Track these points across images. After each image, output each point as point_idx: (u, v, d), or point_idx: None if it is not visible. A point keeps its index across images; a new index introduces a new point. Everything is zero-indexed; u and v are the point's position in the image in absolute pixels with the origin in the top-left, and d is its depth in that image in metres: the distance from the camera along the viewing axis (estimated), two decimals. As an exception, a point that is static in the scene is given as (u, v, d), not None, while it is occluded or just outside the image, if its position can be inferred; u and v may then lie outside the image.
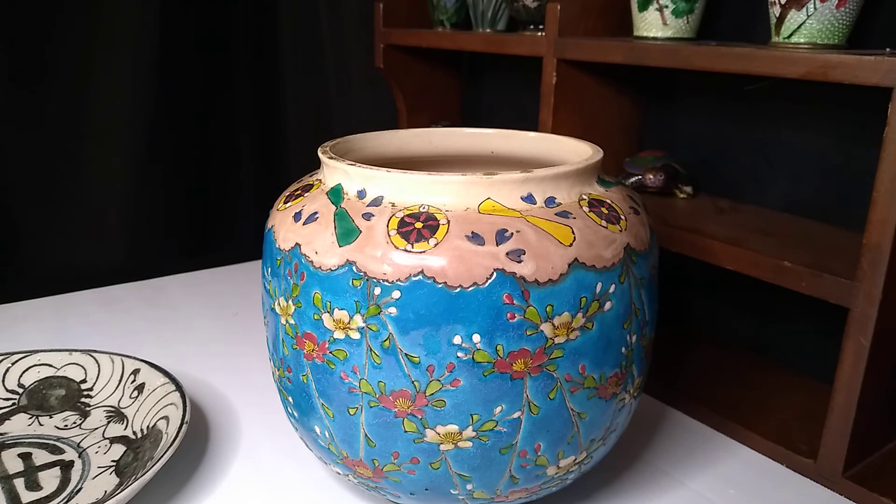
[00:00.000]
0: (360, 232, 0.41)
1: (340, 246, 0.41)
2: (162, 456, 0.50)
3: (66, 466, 0.54)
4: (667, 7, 0.65)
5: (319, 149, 0.49)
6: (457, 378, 0.40)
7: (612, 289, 0.42)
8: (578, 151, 0.51)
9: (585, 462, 0.47)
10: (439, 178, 0.41)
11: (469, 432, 0.42)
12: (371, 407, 0.42)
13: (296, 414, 0.48)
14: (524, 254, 0.39)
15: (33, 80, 0.96)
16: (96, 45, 0.98)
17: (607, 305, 0.42)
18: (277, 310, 0.46)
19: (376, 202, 0.43)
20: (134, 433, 0.57)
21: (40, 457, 0.55)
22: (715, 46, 0.58)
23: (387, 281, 0.40)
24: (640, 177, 0.72)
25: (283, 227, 0.45)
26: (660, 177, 0.72)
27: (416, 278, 0.39)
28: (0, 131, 0.96)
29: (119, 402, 0.61)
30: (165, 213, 1.10)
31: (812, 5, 0.55)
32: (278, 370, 0.48)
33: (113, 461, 0.55)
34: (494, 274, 0.39)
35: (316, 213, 0.44)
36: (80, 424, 0.60)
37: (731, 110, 0.73)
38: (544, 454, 0.43)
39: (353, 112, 1.14)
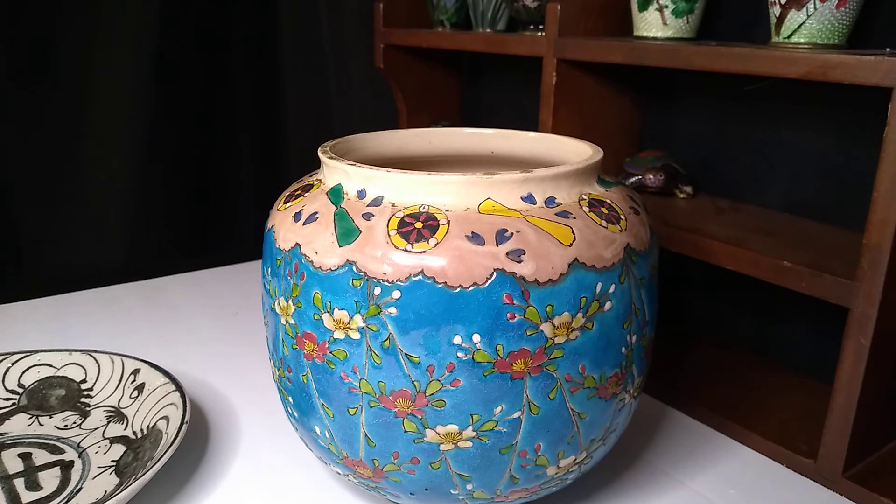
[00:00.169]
0: (360, 232, 0.41)
1: (340, 246, 0.41)
2: (162, 456, 0.50)
3: (66, 466, 0.54)
4: (667, 7, 0.65)
5: (319, 149, 0.49)
6: (457, 378, 0.40)
7: (612, 289, 0.42)
8: (578, 151, 0.51)
9: (585, 462, 0.47)
10: (439, 178, 0.41)
11: (469, 432, 0.42)
12: (371, 407, 0.42)
13: (296, 414, 0.48)
14: (524, 254, 0.39)
15: (33, 80, 0.96)
16: (96, 45, 0.98)
17: (607, 305, 0.42)
18: (277, 310, 0.46)
19: (376, 202, 0.43)
20: (134, 433, 0.57)
21: (40, 457, 0.55)
22: (715, 46, 0.58)
23: (387, 281, 0.40)
24: (640, 177, 0.72)
25: (283, 227, 0.45)
26: (660, 177, 0.72)
27: (416, 278, 0.39)
28: (0, 131, 0.96)
29: (119, 402, 0.61)
30: (165, 214, 1.10)
31: (812, 5, 0.55)
32: (278, 370, 0.48)
33: (113, 461, 0.55)
34: (494, 274, 0.39)
35: (316, 213, 0.44)
36: (80, 424, 0.60)
37: (731, 110, 0.73)
38: (544, 454, 0.43)
39: (353, 112, 1.14)
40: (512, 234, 0.40)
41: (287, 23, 1.14)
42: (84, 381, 0.63)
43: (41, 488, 0.52)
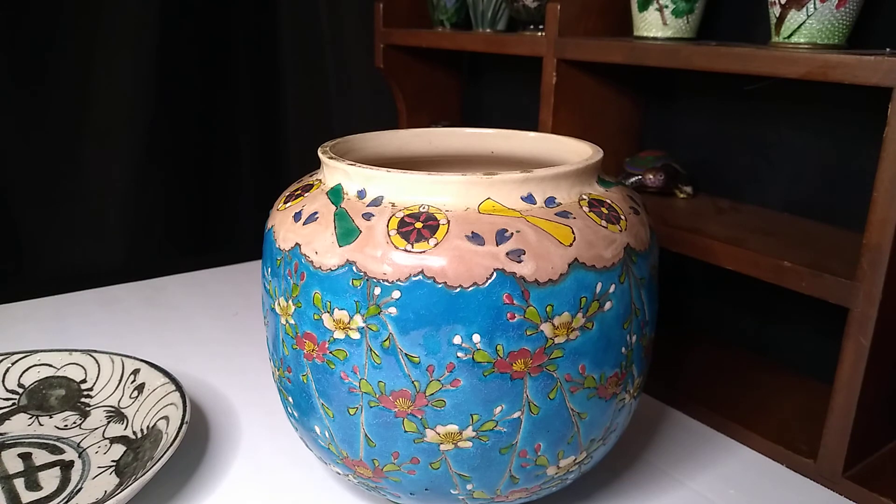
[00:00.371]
0: (360, 232, 0.41)
1: (340, 246, 0.41)
2: (162, 456, 0.50)
3: (66, 466, 0.54)
4: (667, 7, 0.65)
5: (319, 149, 0.49)
6: (457, 378, 0.40)
7: (612, 289, 0.42)
8: (578, 151, 0.51)
9: (585, 462, 0.47)
10: (439, 178, 0.41)
11: (469, 432, 0.42)
12: (371, 407, 0.42)
13: (296, 414, 0.48)
14: (524, 254, 0.39)
15: (33, 80, 0.96)
16: (96, 45, 0.98)
17: (607, 305, 0.42)
18: (277, 310, 0.46)
19: (376, 202, 0.43)
20: (134, 433, 0.57)
21: (40, 457, 0.55)
22: (715, 46, 0.58)
23: (387, 281, 0.40)
24: (640, 177, 0.72)
25: (283, 227, 0.45)
26: (660, 177, 0.72)
27: (416, 278, 0.39)
28: (0, 131, 0.96)
29: (119, 402, 0.61)
30: (165, 213, 1.10)
31: (812, 5, 0.55)
32: (278, 370, 0.48)
33: (113, 461, 0.55)
34: (494, 274, 0.39)
35: (316, 213, 0.44)
36: (80, 424, 0.60)
37: (731, 110, 0.73)
38: (544, 454, 0.43)
39: (353, 112, 1.14)
40: (512, 234, 0.40)
41: (287, 23, 1.14)
42: (84, 381, 0.63)
43: (41, 488, 0.52)
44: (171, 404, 0.57)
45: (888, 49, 0.53)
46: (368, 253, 0.40)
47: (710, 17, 0.69)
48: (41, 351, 0.64)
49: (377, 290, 0.40)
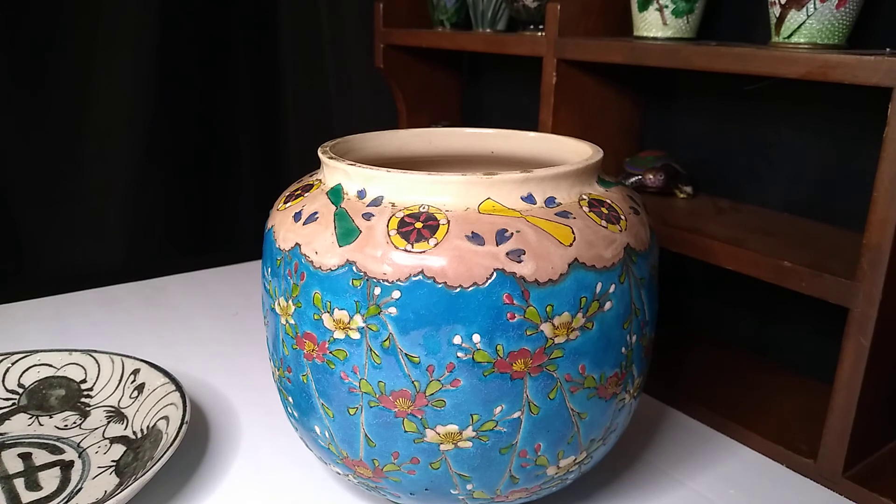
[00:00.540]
0: (360, 232, 0.41)
1: (340, 246, 0.41)
2: (162, 456, 0.50)
3: (66, 466, 0.54)
4: (667, 7, 0.65)
5: (319, 149, 0.49)
6: (457, 378, 0.40)
7: (612, 289, 0.42)
8: (578, 151, 0.51)
9: (585, 462, 0.47)
10: (439, 178, 0.41)
11: (469, 432, 0.42)
12: (371, 407, 0.42)
13: (296, 414, 0.48)
14: (524, 254, 0.39)
15: (33, 80, 0.96)
16: (96, 45, 0.98)
17: (607, 305, 0.42)
18: (277, 310, 0.46)
19: (376, 202, 0.43)
20: (134, 433, 0.57)
21: (40, 457, 0.55)
22: (715, 46, 0.58)
23: (387, 281, 0.40)
24: (640, 177, 0.72)
25: (283, 227, 0.45)
26: (660, 177, 0.72)
27: (416, 278, 0.39)
28: (0, 131, 0.96)
29: (119, 402, 0.61)
30: (165, 213, 1.10)
31: (812, 5, 0.55)
32: (278, 370, 0.48)
33: (113, 461, 0.55)
34: (494, 274, 0.39)
35: (316, 213, 0.44)
36: (80, 424, 0.60)
37: (731, 110, 0.73)
38: (544, 454, 0.43)
39: (353, 112, 1.14)
40: (512, 234, 0.40)
41: (287, 23, 1.14)
42: (84, 381, 0.63)
43: (41, 488, 0.52)
44: (171, 404, 0.57)
45: (888, 49, 0.53)
46: (368, 253, 0.40)
47: (710, 17, 0.69)
48: (41, 351, 0.64)
49: (377, 290, 0.40)
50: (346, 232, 0.41)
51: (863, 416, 0.53)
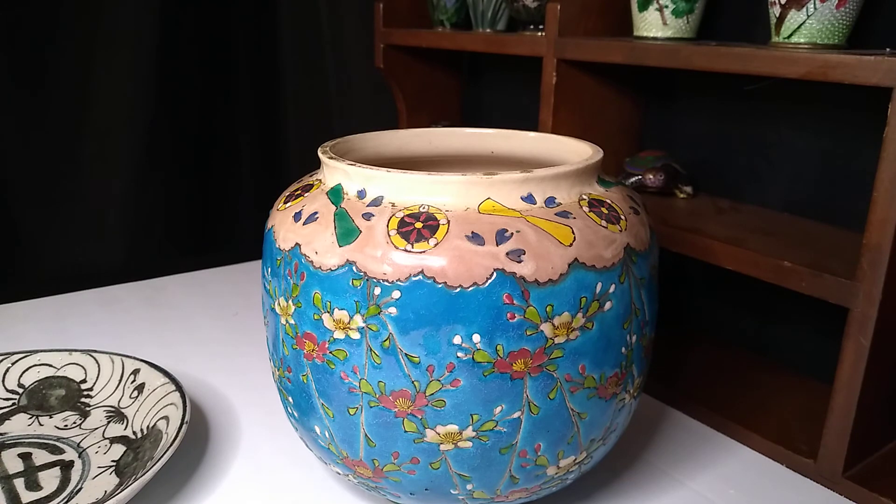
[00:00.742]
0: (360, 232, 0.41)
1: (340, 246, 0.41)
2: (162, 456, 0.50)
3: (66, 466, 0.54)
4: (667, 7, 0.65)
5: (319, 149, 0.49)
6: (457, 378, 0.40)
7: (612, 289, 0.42)
8: (578, 151, 0.51)
9: (585, 462, 0.47)
10: (439, 178, 0.41)
11: (469, 432, 0.42)
12: (371, 407, 0.42)
13: (296, 414, 0.48)
14: (524, 254, 0.39)
15: (33, 80, 0.96)
16: (96, 45, 0.98)
17: (607, 305, 0.42)
18: (277, 310, 0.46)
19: (376, 202, 0.43)
20: (134, 433, 0.57)
21: (40, 457, 0.55)
22: (715, 46, 0.58)
23: (387, 281, 0.40)
24: (640, 177, 0.72)
25: (283, 227, 0.45)
26: (660, 177, 0.72)
27: (416, 278, 0.39)
28: (0, 131, 0.96)
29: (119, 402, 0.61)
30: (165, 213, 1.10)
31: (812, 5, 0.55)
32: (278, 370, 0.48)
33: (113, 461, 0.55)
34: (494, 274, 0.39)
35: (316, 213, 0.44)
36: (80, 424, 0.60)
37: (731, 110, 0.73)
38: (544, 454, 0.43)
39: (353, 112, 1.14)
40: (512, 234, 0.40)
41: (287, 23, 1.14)
42: (84, 381, 0.63)
43: (41, 488, 0.52)
44: (171, 404, 0.57)
45: (888, 49, 0.53)
46: (368, 253, 0.40)
47: (710, 17, 0.69)
48: (41, 351, 0.64)
49: (377, 290, 0.40)
50: (346, 232, 0.41)
51: (863, 416, 0.53)
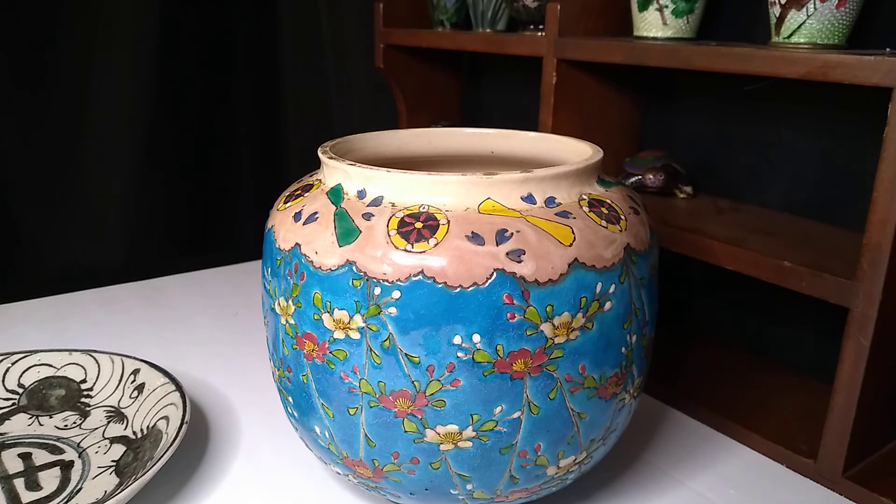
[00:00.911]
0: (360, 232, 0.41)
1: (340, 246, 0.41)
2: (162, 456, 0.50)
3: (66, 466, 0.54)
4: (667, 7, 0.65)
5: (319, 149, 0.49)
6: (457, 378, 0.40)
7: (612, 289, 0.42)
8: (578, 151, 0.51)
9: (585, 462, 0.47)
10: (439, 178, 0.41)
11: (469, 432, 0.42)
12: (371, 407, 0.42)
13: (296, 414, 0.48)
14: (524, 254, 0.39)
15: (33, 80, 0.96)
16: (96, 45, 0.98)
17: (607, 305, 0.42)
18: (277, 310, 0.46)
19: (376, 202, 0.43)
20: (134, 433, 0.57)
21: (40, 457, 0.55)
22: (715, 46, 0.58)
23: (387, 281, 0.40)
24: (640, 177, 0.72)
25: (283, 227, 0.45)
26: (660, 177, 0.72)
27: (416, 278, 0.39)
28: (0, 131, 0.96)
29: (119, 402, 0.61)
30: (165, 213, 1.10)
31: (812, 5, 0.55)
32: (278, 370, 0.48)
33: (113, 461, 0.55)
34: (494, 274, 0.39)
35: (316, 213, 0.44)
36: (80, 424, 0.60)
37: (731, 110, 0.73)
38: (544, 454, 0.43)
39: (353, 112, 1.14)
40: (512, 234, 0.40)
41: (287, 23, 1.14)
42: (84, 381, 0.63)
43: (41, 488, 0.52)
44: (171, 404, 0.57)
45: (888, 49, 0.53)
46: (368, 253, 0.40)
47: (710, 17, 0.69)
48: (41, 351, 0.64)
49: (377, 290, 0.40)
50: (346, 232, 0.41)
51: (863, 416, 0.53)
